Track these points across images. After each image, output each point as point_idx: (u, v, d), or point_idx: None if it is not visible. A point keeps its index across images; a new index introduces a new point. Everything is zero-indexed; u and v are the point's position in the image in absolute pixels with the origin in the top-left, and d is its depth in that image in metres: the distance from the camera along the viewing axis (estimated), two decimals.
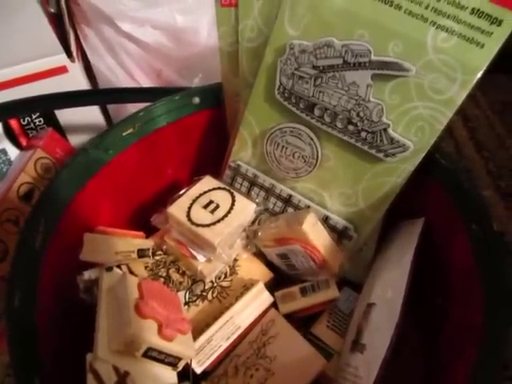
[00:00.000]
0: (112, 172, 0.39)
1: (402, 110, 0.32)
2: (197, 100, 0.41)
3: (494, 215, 0.32)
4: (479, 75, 0.29)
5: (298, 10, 0.33)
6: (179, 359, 0.30)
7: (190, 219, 0.37)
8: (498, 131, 0.67)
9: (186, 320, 0.32)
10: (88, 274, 0.34)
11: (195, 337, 0.33)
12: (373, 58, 0.30)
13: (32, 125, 0.54)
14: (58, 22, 0.53)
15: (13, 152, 0.55)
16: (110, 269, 0.34)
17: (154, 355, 0.29)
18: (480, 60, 0.28)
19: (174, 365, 0.30)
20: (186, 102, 0.41)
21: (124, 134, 0.39)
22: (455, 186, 0.34)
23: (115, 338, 0.28)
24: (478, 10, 0.28)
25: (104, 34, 0.53)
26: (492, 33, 0.28)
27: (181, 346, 0.30)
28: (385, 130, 0.32)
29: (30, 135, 0.55)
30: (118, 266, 0.37)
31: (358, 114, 0.33)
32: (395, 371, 0.31)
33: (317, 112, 0.34)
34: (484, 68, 0.29)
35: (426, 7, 0.29)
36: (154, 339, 0.28)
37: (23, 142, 0.55)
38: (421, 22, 0.29)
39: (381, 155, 0.33)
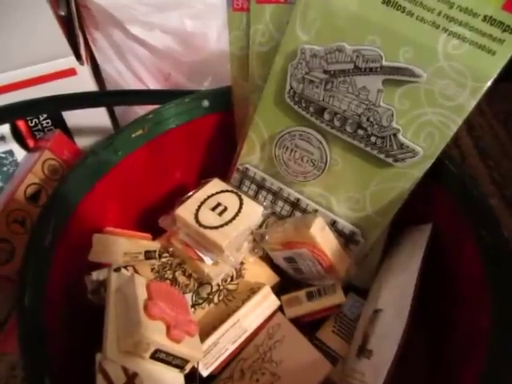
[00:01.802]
0: (121, 173, 0.39)
1: (412, 115, 0.32)
2: (206, 103, 0.41)
3: None
4: (490, 83, 0.29)
5: (310, 14, 0.33)
6: (187, 361, 0.30)
7: (198, 221, 0.37)
8: (502, 140, 0.67)
9: (194, 322, 0.32)
10: (96, 275, 0.34)
11: (202, 339, 0.33)
12: (384, 63, 0.31)
13: (39, 126, 0.54)
14: (67, 25, 0.54)
15: (20, 153, 0.55)
16: (118, 269, 0.34)
17: (162, 357, 0.28)
18: (491, 67, 0.29)
19: (181, 367, 0.30)
20: (195, 105, 0.41)
21: (133, 135, 0.39)
22: (463, 192, 0.34)
23: (124, 338, 0.28)
24: (491, 17, 0.28)
25: (113, 38, 0.53)
26: (504, 40, 0.28)
27: (188, 348, 0.30)
28: (394, 135, 0.32)
29: (38, 137, 0.55)
30: (125, 268, 0.37)
31: (368, 119, 0.33)
32: (402, 377, 0.31)
33: (327, 116, 0.35)
34: (495, 75, 0.29)
35: (438, 14, 0.29)
36: (162, 340, 0.28)
37: (30, 143, 0.55)
38: (432, 28, 0.29)
39: (390, 160, 0.33)
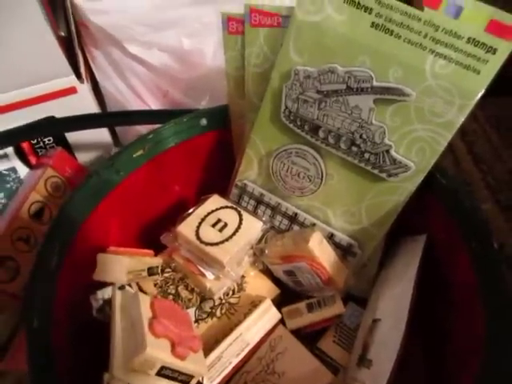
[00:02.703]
0: (122, 192, 0.40)
1: (403, 132, 0.33)
2: (204, 122, 0.42)
3: (494, 228, 0.33)
4: (476, 99, 0.30)
5: (303, 37, 0.34)
6: (191, 377, 0.30)
7: (198, 238, 0.38)
8: (495, 145, 0.68)
9: (197, 338, 0.32)
10: (101, 294, 0.35)
11: (205, 354, 0.34)
12: (375, 83, 0.32)
13: (41, 144, 0.55)
14: (67, 45, 0.55)
15: (22, 170, 0.56)
16: (122, 288, 0.35)
17: (168, 374, 0.29)
18: (476, 85, 0.30)
19: (186, 382, 0.31)
20: (193, 124, 0.42)
21: (134, 155, 0.40)
22: (455, 205, 0.35)
23: (130, 357, 0.29)
24: (474, 39, 0.29)
25: (112, 56, 0.54)
26: (487, 60, 0.29)
27: (193, 364, 0.30)
28: (387, 151, 0.34)
29: (40, 154, 0.56)
30: (129, 284, 0.38)
31: (361, 136, 0.34)
32: None
33: (321, 134, 0.36)
34: (481, 93, 0.30)
35: (425, 36, 0.30)
36: (167, 358, 0.29)
37: (33, 160, 0.56)
38: (419, 49, 0.31)
39: (384, 175, 0.35)
